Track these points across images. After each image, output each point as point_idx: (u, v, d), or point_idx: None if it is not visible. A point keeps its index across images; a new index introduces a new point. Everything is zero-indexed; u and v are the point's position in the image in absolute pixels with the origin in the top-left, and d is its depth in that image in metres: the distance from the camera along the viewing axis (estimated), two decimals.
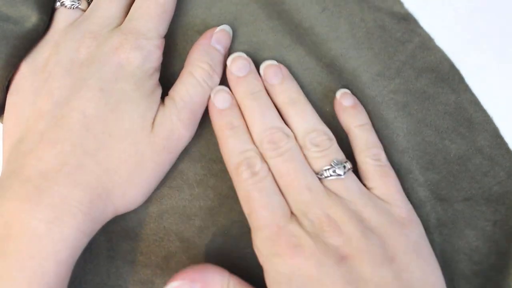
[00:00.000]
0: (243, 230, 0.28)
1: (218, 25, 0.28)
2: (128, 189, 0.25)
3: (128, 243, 0.28)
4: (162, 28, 0.27)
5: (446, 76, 0.29)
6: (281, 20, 0.29)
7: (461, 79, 0.29)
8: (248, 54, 0.29)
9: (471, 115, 0.29)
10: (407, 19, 0.29)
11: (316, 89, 0.29)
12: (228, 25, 0.29)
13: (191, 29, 0.29)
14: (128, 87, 0.25)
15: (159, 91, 0.26)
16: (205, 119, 0.28)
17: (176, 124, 0.26)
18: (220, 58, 0.28)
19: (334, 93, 0.29)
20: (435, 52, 0.29)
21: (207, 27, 0.29)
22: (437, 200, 0.28)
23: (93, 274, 0.27)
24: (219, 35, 0.28)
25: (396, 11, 0.29)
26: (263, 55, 0.29)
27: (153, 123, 0.25)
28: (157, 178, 0.26)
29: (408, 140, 0.29)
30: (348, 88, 0.29)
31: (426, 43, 0.29)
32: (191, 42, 0.28)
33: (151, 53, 0.26)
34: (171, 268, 0.27)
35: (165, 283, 0.27)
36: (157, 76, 0.26)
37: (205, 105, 0.27)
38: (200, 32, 0.29)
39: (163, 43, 0.27)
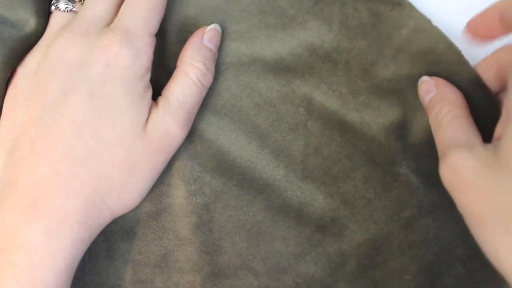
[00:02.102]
0: (238, 224, 0.28)
1: (210, 24, 0.28)
2: (123, 193, 0.25)
3: (127, 243, 0.28)
4: (153, 26, 0.26)
5: (443, 56, 0.28)
6: (274, 15, 0.29)
7: (460, 57, 0.28)
8: (239, 49, 0.29)
9: (471, 96, 0.28)
10: (402, 5, 0.28)
11: (307, 80, 0.29)
12: (221, 23, 0.29)
13: (183, 29, 0.29)
14: (118, 90, 0.24)
15: (149, 93, 0.26)
16: (199, 116, 0.28)
17: (170, 125, 0.26)
18: (213, 57, 0.27)
19: (325, 83, 0.29)
20: (430, 32, 0.28)
21: (199, 26, 0.29)
22: (432, 185, 0.28)
23: (92, 274, 0.28)
24: (211, 34, 0.28)
25: None
26: (255, 50, 0.29)
27: (146, 125, 0.25)
28: (152, 179, 0.26)
29: (402, 127, 0.28)
30: (340, 78, 0.29)
31: (422, 24, 0.28)
32: (184, 42, 0.28)
33: (142, 52, 0.25)
34: (170, 267, 0.28)
35: (164, 281, 0.28)
36: (148, 77, 0.26)
37: (199, 104, 0.27)
38: (192, 32, 0.28)
39: (154, 41, 0.26)
